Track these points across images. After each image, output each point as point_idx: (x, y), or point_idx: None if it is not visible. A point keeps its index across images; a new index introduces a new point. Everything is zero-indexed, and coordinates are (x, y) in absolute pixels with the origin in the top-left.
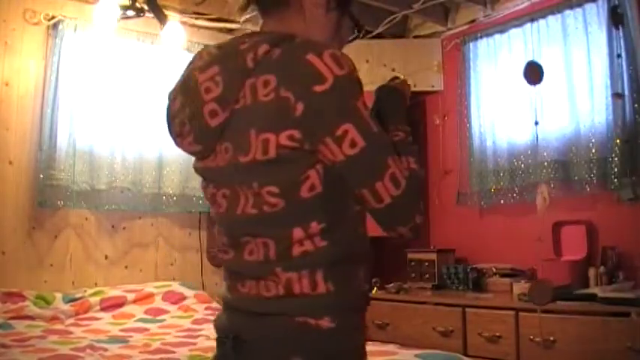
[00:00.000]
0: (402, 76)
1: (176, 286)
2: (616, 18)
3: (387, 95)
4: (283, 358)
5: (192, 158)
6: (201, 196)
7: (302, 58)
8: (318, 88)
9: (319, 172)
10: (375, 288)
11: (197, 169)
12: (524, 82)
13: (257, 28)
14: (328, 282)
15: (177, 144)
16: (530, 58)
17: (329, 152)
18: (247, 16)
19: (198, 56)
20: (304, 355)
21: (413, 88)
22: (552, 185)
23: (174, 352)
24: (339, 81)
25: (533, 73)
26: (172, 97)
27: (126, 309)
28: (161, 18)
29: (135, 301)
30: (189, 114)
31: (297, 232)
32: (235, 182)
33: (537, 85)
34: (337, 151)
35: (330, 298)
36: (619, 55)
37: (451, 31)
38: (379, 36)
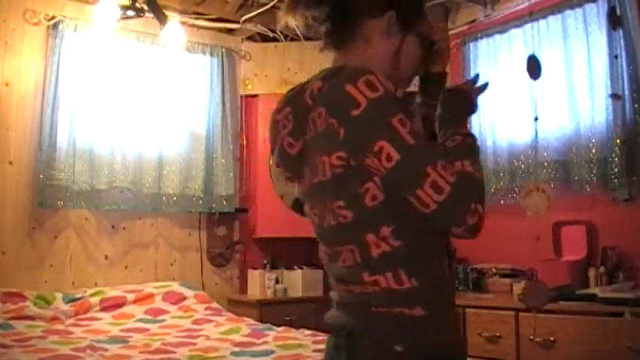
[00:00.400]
0: (480, 79)
1: (176, 287)
2: (614, 20)
3: (451, 97)
4: (386, 346)
5: (192, 158)
6: (202, 196)
7: (341, 89)
8: (354, 113)
9: (377, 183)
10: None
11: (298, 193)
12: (527, 76)
13: (258, 30)
14: (412, 279)
15: (281, 173)
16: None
17: (374, 166)
18: (248, 16)
19: (279, 100)
20: (404, 342)
21: (413, 88)
22: (552, 185)
23: (174, 353)
24: (373, 103)
25: (534, 67)
26: (269, 136)
27: (126, 309)
28: (161, 18)
29: (135, 302)
30: (278, 147)
31: (370, 237)
32: (316, 200)
33: (537, 80)
34: (378, 164)
35: (417, 290)
36: (616, 56)
37: (451, 32)
38: None
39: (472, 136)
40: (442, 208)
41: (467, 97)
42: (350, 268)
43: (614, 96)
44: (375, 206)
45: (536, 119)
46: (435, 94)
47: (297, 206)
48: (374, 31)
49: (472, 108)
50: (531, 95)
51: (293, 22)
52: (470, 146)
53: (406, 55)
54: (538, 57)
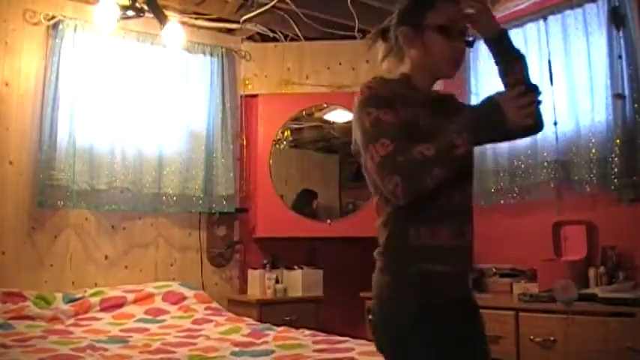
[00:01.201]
0: (537, 94)
1: (176, 287)
2: (616, 19)
3: (482, 103)
4: (375, 306)
5: (192, 158)
6: (202, 196)
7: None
8: (354, 111)
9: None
10: None
11: None
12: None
13: (258, 30)
14: (383, 247)
15: None
16: (533, 58)
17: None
18: (248, 16)
19: None
20: (377, 302)
21: None
22: (552, 185)
23: (174, 352)
24: (356, 103)
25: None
26: None
27: (126, 309)
28: (161, 18)
29: (135, 302)
30: None
31: (374, 203)
32: None
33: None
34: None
35: (383, 256)
36: (620, 57)
37: None
38: None
39: (460, 140)
40: (373, 172)
41: (493, 109)
42: None
43: (617, 96)
44: (371, 179)
45: (555, 124)
46: (498, 53)
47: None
48: (403, 45)
49: (499, 121)
50: (552, 101)
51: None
52: (446, 144)
53: (433, 50)
54: (539, 60)
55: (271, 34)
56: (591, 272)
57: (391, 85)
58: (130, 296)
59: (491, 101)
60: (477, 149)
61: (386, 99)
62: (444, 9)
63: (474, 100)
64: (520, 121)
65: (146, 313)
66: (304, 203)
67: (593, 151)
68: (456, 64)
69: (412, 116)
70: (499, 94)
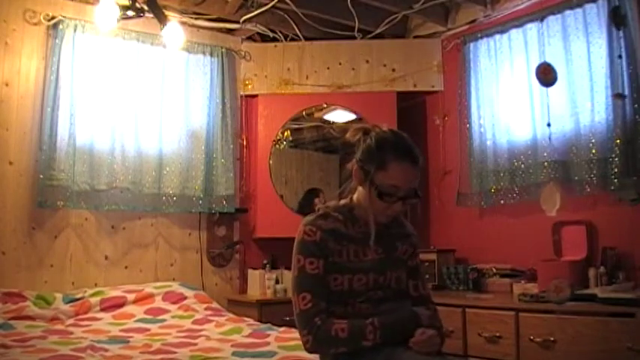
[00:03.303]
0: (480, 99)
1: (176, 287)
2: (616, 19)
3: (407, 314)
4: None
5: (192, 158)
6: (201, 196)
7: None
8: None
9: None
10: None
11: None
12: (538, 82)
13: (258, 30)
14: None
15: None
16: (533, 58)
17: None
18: (248, 16)
19: None
20: None
21: (413, 88)
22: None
23: (175, 353)
24: (295, 244)
25: (546, 74)
26: None
27: (126, 309)
28: (161, 18)
29: (135, 302)
30: None
31: None
32: None
33: (550, 87)
34: None
35: None
36: (620, 56)
37: (451, 31)
38: (379, 36)
39: (371, 336)
40: (295, 318)
41: (411, 324)
42: None
43: (617, 95)
44: None
45: (549, 125)
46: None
47: None
48: (353, 177)
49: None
50: (542, 101)
51: None
52: (358, 334)
53: (372, 199)
54: (539, 60)
55: (271, 34)
56: (591, 272)
57: (330, 221)
58: (130, 296)
59: (414, 319)
60: (477, 149)
61: (315, 246)
62: (393, 174)
63: (474, 100)
64: (421, 349)
65: (146, 312)
66: (306, 203)
67: (593, 151)
68: (391, 217)
69: (338, 253)
70: (423, 316)
